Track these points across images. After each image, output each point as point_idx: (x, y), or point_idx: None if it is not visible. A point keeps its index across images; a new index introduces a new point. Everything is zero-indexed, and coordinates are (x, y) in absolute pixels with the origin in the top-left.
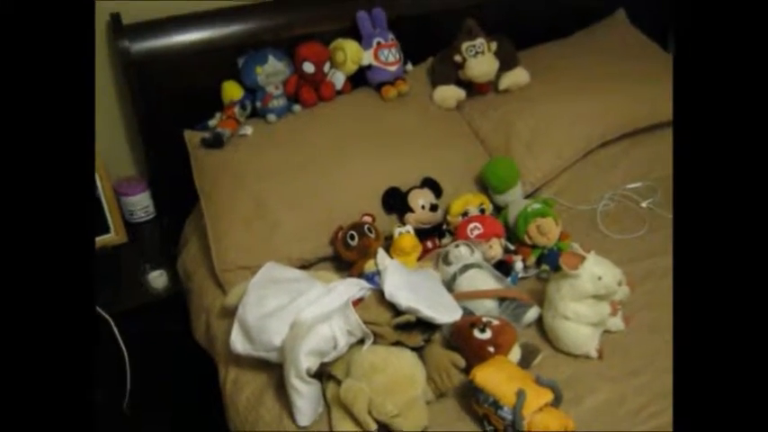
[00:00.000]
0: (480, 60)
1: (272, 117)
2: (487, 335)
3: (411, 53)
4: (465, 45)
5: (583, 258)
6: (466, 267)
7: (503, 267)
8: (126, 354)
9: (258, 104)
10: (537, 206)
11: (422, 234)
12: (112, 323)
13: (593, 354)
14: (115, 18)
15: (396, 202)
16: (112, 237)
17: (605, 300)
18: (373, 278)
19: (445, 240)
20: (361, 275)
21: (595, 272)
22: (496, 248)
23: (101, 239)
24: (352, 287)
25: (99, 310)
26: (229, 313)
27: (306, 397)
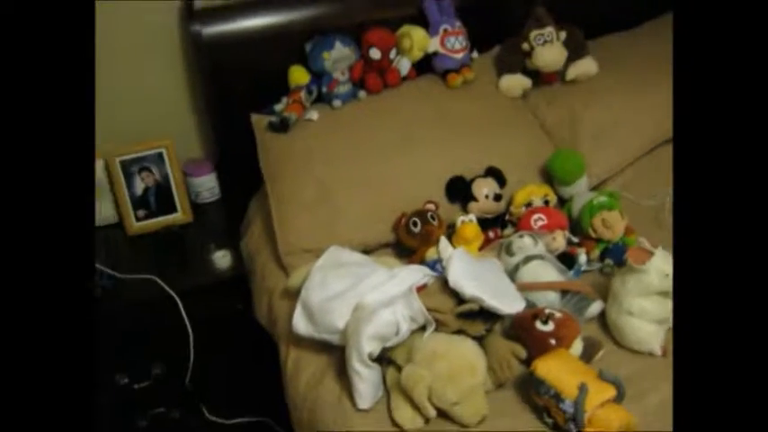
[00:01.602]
0: (548, 49)
1: (337, 103)
2: (550, 327)
3: (478, 41)
4: (533, 33)
5: (650, 254)
6: (529, 258)
7: (566, 260)
8: (190, 330)
9: (324, 90)
10: (603, 199)
11: (484, 224)
12: (178, 300)
13: (658, 351)
14: (188, 2)
15: (459, 190)
16: (179, 216)
17: (671, 297)
18: (435, 266)
19: (507, 231)
20: (422, 263)
21: (663, 268)
22: (560, 240)
23: (168, 219)
24: (416, 273)
25: (165, 287)
26: (291, 295)
27: (367, 380)
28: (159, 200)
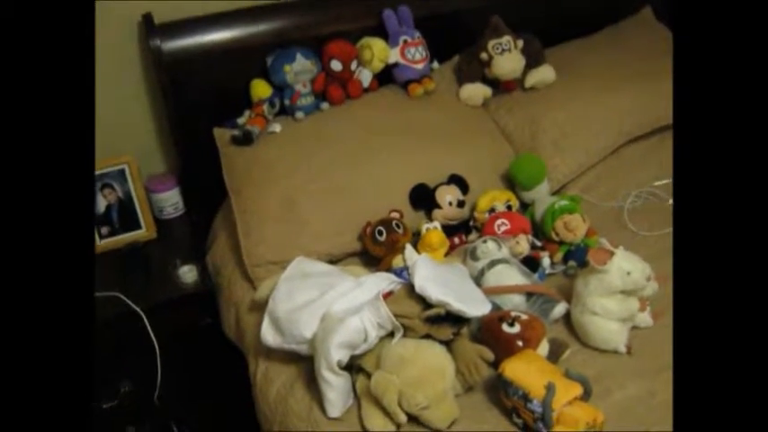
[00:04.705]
0: (506, 58)
1: (300, 114)
2: (516, 329)
3: (437, 51)
4: (491, 43)
5: (611, 254)
6: (493, 263)
7: (530, 263)
8: (157, 346)
9: (286, 102)
10: (564, 203)
11: (449, 230)
12: (144, 317)
13: (622, 349)
14: (147, 18)
15: (423, 198)
16: (143, 233)
17: (634, 295)
18: (401, 273)
19: (472, 236)
20: (388, 271)
21: (624, 267)
22: (523, 244)
23: (132, 235)
24: (383, 281)
25: (131, 303)
26: (259, 307)
27: (336, 389)
28: (122, 217)
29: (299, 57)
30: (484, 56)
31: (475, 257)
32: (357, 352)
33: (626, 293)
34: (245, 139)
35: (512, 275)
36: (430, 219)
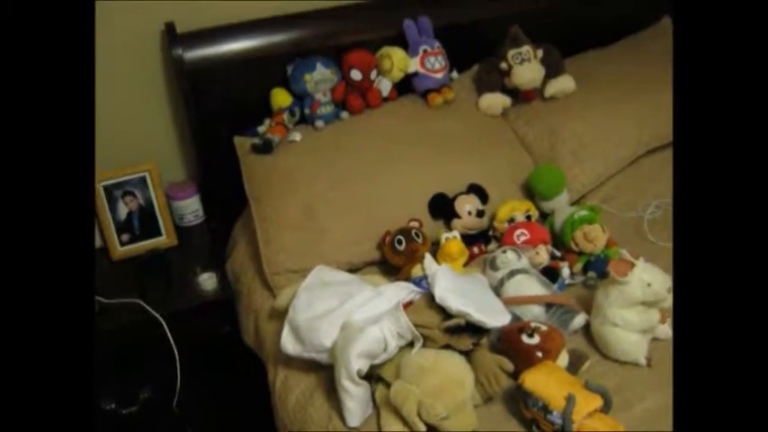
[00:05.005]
0: (526, 68)
1: (320, 123)
2: (536, 340)
3: (457, 61)
4: (511, 52)
5: (632, 265)
6: (513, 273)
7: (549, 274)
8: (177, 353)
9: (306, 111)
10: (583, 213)
11: (468, 240)
12: (164, 323)
13: (642, 361)
14: (170, 27)
15: (442, 207)
16: (164, 240)
17: (654, 307)
18: (420, 283)
19: (491, 246)
20: (408, 280)
21: (645, 278)
22: (543, 255)
23: (152, 242)
24: (402, 290)
25: (151, 310)
26: (278, 315)
27: (356, 398)
28: (143, 224)
29: (319, 66)
30: (503, 65)
31: (494, 267)
32: (377, 362)
33: (646, 305)
34: (266, 148)
35: (531, 286)
36: (449, 228)
